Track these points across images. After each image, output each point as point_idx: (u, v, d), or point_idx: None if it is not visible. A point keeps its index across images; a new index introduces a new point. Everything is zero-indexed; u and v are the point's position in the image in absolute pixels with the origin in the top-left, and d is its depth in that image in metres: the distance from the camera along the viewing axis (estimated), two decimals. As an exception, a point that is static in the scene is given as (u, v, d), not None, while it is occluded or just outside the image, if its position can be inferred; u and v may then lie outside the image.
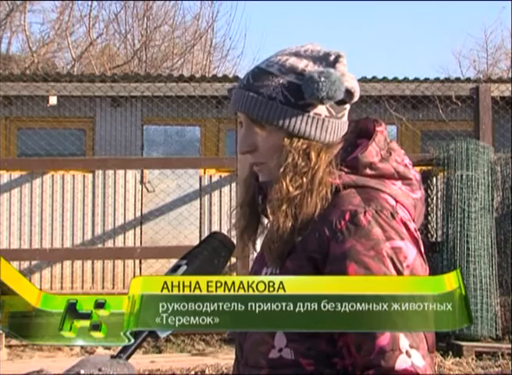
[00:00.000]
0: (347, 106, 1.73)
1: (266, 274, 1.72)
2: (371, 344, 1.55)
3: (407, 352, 1.54)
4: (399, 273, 1.59)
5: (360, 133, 1.77)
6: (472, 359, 6.97)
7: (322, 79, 1.63)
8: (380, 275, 1.58)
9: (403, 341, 1.54)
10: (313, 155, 1.68)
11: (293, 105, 1.67)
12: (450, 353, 7.05)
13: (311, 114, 1.68)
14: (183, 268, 1.59)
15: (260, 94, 1.68)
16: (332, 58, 1.71)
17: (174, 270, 1.60)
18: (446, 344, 7.23)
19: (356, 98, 1.71)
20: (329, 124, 1.70)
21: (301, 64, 1.69)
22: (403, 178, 1.74)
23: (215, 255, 1.65)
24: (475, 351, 7.10)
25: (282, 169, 1.68)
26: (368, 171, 1.70)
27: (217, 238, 1.69)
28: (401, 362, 1.53)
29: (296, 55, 1.72)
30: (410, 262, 1.62)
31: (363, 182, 1.69)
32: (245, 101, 1.70)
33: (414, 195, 1.75)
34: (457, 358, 6.97)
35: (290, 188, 1.67)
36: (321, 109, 1.68)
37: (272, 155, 1.70)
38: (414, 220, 1.73)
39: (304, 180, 1.68)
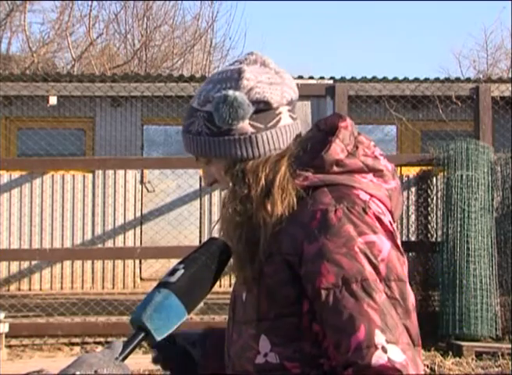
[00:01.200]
0: (281, 110, 1.72)
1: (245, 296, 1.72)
2: (347, 342, 1.55)
3: (382, 348, 1.53)
4: (374, 267, 1.59)
5: (331, 131, 1.76)
6: (472, 359, 6.96)
7: (220, 105, 1.67)
8: (353, 272, 1.58)
9: (379, 337, 1.54)
10: (250, 175, 1.69)
11: (217, 133, 1.69)
12: (450, 353, 7.04)
13: (237, 136, 1.69)
14: (181, 272, 1.60)
15: (189, 132, 1.72)
16: (235, 76, 1.72)
17: (171, 274, 1.60)
18: (446, 344, 7.23)
19: (277, 103, 1.70)
20: (259, 139, 1.69)
21: (212, 92, 1.72)
22: (373, 170, 1.73)
23: (212, 261, 1.66)
24: (475, 351, 7.09)
25: (227, 197, 1.72)
26: (336, 168, 1.70)
27: (215, 244, 1.70)
28: (377, 359, 1.53)
29: (210, 82, 1.75)
30: (384, 255, 1.61)
31: (332, 180, 1.69)
32: (185, 142, 1.75)
33: (387, 186, 1.74)
34: (457, 358, 6.97)
35: (237, 218, 1.69)
36: (245, 127, 1.69)
37: (227, 183, 1.73)
38: (391, 211, 1.73)
39: (248, 206, 1.68)
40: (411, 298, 1.63)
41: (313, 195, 1.67)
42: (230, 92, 1.67)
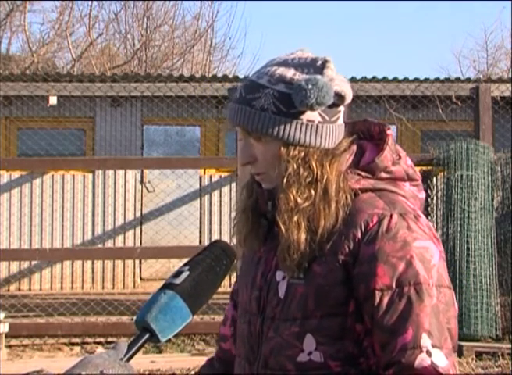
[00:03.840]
0: (341, 109, 1.74)
1: (284, 279, 1.72)
2: (394, 343, 1.60)
3: (427, 351, 1.57)
4: (427, 272, 1.63)
5: (360, 136, 1.79)
6: (472, 359, 6.97)
7: (310, 86, 1.65)
8: (408, 275, 1.61)
9: (425, 340, 1.58)
10: (313, 163, 1.70)
11: (285, 114, 1.69)
12: (450, 353, 7.04)
13: (304, 121, 1.69)
14: (186, 274, 1.60)
15: (252, 107, 1.70)
16: (319, 63, 1.72)
17: (176, 276, 1.60)
18: (446, 344, 7.22)
19: (348, 101, 1.72)
20: (323, 129, 1.71)
21: (289, 73, 1.71)
22: (411, 179, 1.78)
23: (217, 263, 1.65)
24: (475, 351, 7.10)
25: (285, 180, 1.69)
26: (383, 175, 1.74)
27: (219, 246, 1.70)
28: (420, 361, 1.57)
29: (284, 64, 1.73)
30: (436, 261, 1.65)
31: (380, 186, 1.73)
32: (239, 114, 1.72)
33: (420, 196, 1.79)
34: (457, 358, 6.96)
35: (299, 199, 1.69)
36: (314, 115, 1.70)
37: (271, 165, 1.72)
38: None
39: (312, 192, 1.69)
40: (456, 305, 1.67)
41: (362, 199, 1.71)
42: (319, 77, 1.67)
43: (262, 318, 1.75)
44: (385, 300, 1.61)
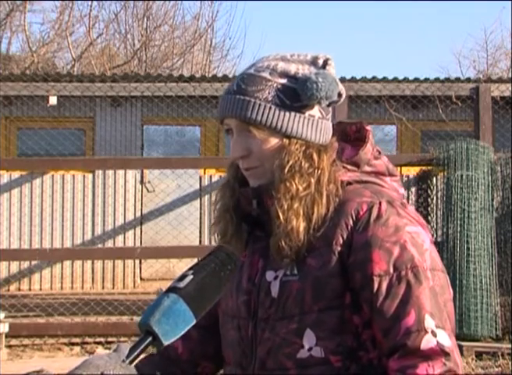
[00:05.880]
0: (331, 109, 1.78)
1: (276, 278, 1.71)
2: (397, 327, 1.60)
3: (432, 332, 1.58)
4: (421, 255, 1.64)
5: (340, 137, 1.82)
6: (472, 359, 6.96)
7: (320, 79, 1.68)
8: (403, 259, 1.63)
9: (429, 321, 1.59)
10: (315, 155, 1.72)
11: (289, 107, 1.70)
12: (450, 353, 7.03)
13: (306, 116, 1.72)
14: (189, 278, 1.59)
15: (256, 98, 1.70)
16: (320, 61, 1.75)
17: (180, 280, 1.60)
18: (446, 344, 7.21)
19: (342, 100, 1.76)
20: (322, 125, 1.74)
21: (292, 68, 1.73)
22: (391, 175, 1.80)
23: (221, 268, 1.64)
24: (475, 351, 7.09)
25: (286, 170, 1.70)
26: (367, 168, 1.77)
27: (224, 251, 1.69)
28: (426, 342, 1.58)
29: (284, 60, 1.75)
30: (428, 246, 1.67)
31: (365, 178, 1.75)
32: (240, 105, 1.71)
33: (400, 191, 1.81)
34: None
35: (300, 187, 1.70)
36: (315, 111, 1.73)
37: (268, 157, 1.72)
38: None
39: (312, 179, 1.71)
40: (450, 289, 1.68)
41: (350, 190, 1.73)
42: (327, 72, 1.71)
43: (255, 321, 1.73)
44: (384, 285, 1.62)
